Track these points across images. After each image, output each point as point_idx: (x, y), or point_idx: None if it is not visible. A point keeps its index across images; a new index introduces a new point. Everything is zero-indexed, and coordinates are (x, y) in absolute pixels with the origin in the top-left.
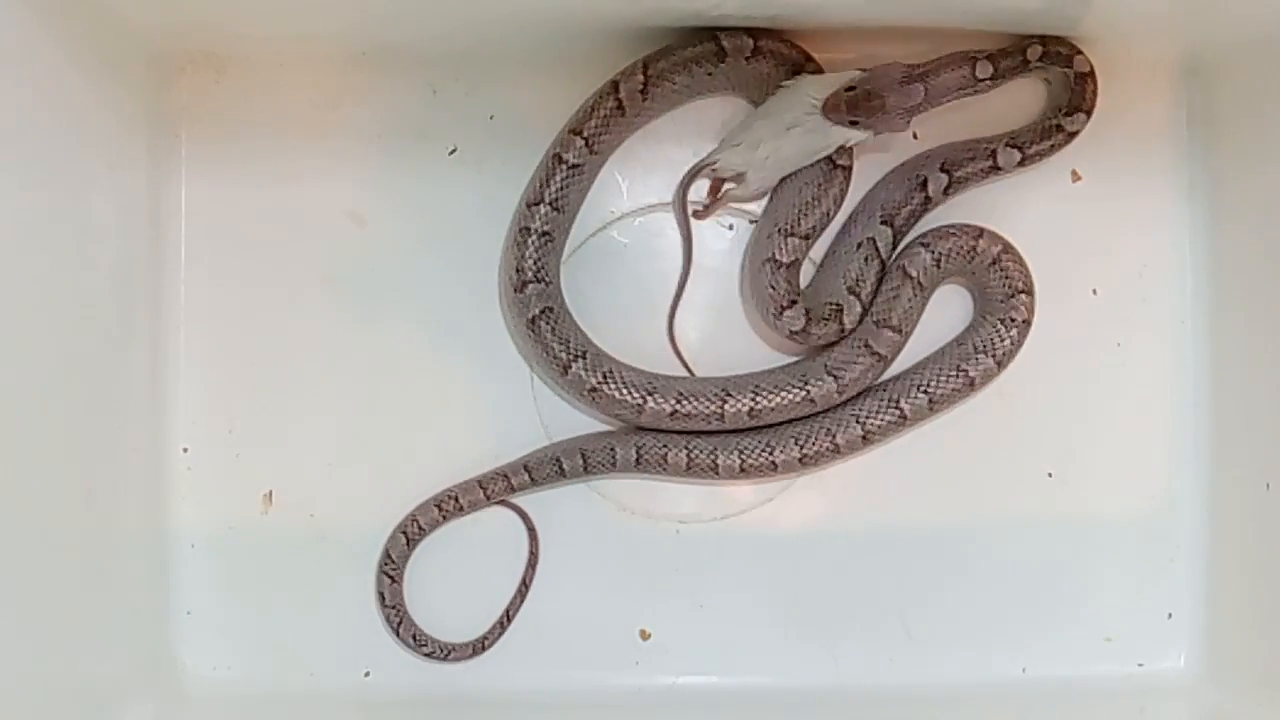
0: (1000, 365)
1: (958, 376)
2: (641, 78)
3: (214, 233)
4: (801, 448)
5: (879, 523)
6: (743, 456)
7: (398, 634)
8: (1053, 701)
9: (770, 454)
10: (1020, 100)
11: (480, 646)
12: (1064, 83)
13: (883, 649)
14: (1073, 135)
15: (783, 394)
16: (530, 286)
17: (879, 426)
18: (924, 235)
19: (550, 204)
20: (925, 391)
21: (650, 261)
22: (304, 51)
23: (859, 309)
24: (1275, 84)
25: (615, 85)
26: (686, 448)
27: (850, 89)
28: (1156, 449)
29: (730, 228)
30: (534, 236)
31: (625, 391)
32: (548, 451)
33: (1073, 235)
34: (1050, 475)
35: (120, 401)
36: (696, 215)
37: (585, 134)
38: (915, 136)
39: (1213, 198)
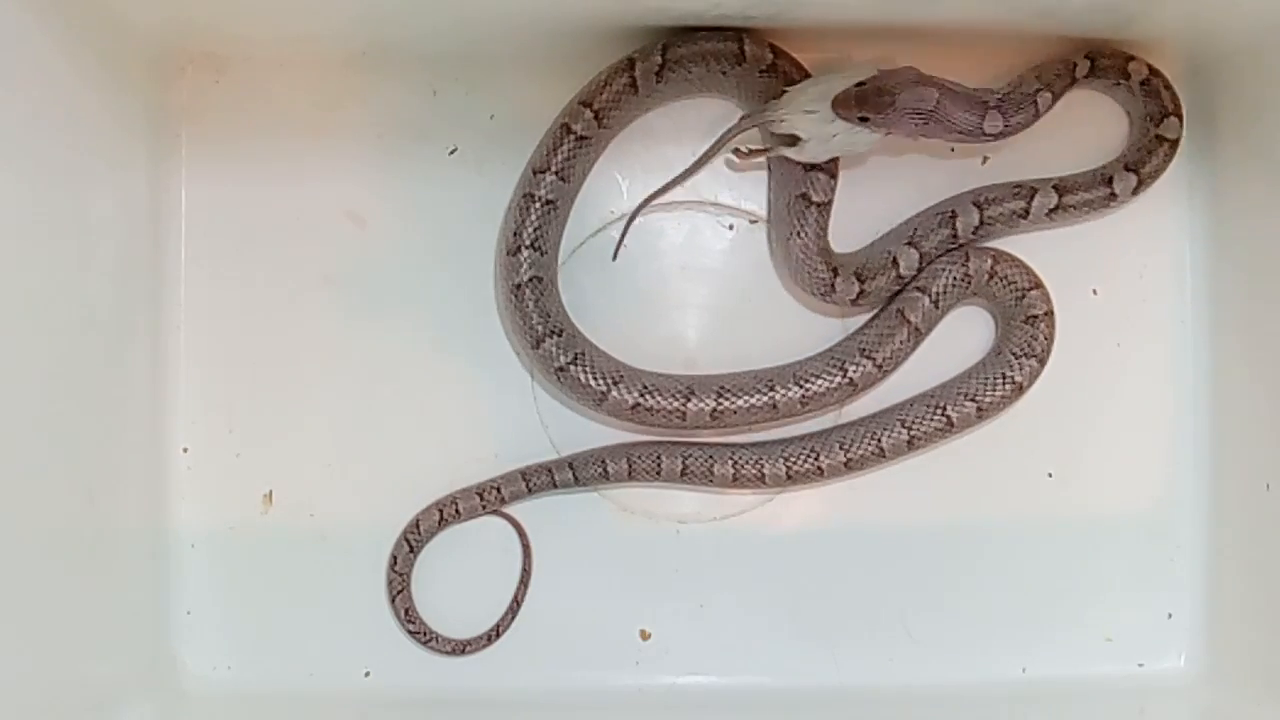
0: (1043, 363)
1: (1004, 384)
2: (659, 59)
3: (214, 233)
4: (847, 452)
5: (879, 523)
6: (789, 464)
7: (411, 634)
8: (1053, 701)
9: (816, 459)
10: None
11: (460, 649)
12: (1141, 130)
13: (883, 649)
14: (1114, 197)
15: (746, 397)
16: (525, 252)
17: (925, 433)
18: (918, 277)
19: (556, 173)
20: (973, 400)
21: (650, 261)
22: (304, 51)
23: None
24: (1275, 84)
25: (631, 62)
26: (733, 459)
27: (861, 84)
28: (1156, 449)
29: (730, 228)
30: (537, 203)
31: (591, 377)
32: (577, 457)
33: (1073, 236)
34: (1050, 475)
35: (120, 401)
36: (739, 155)
37: (595, 106)
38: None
39: (1213, 198)
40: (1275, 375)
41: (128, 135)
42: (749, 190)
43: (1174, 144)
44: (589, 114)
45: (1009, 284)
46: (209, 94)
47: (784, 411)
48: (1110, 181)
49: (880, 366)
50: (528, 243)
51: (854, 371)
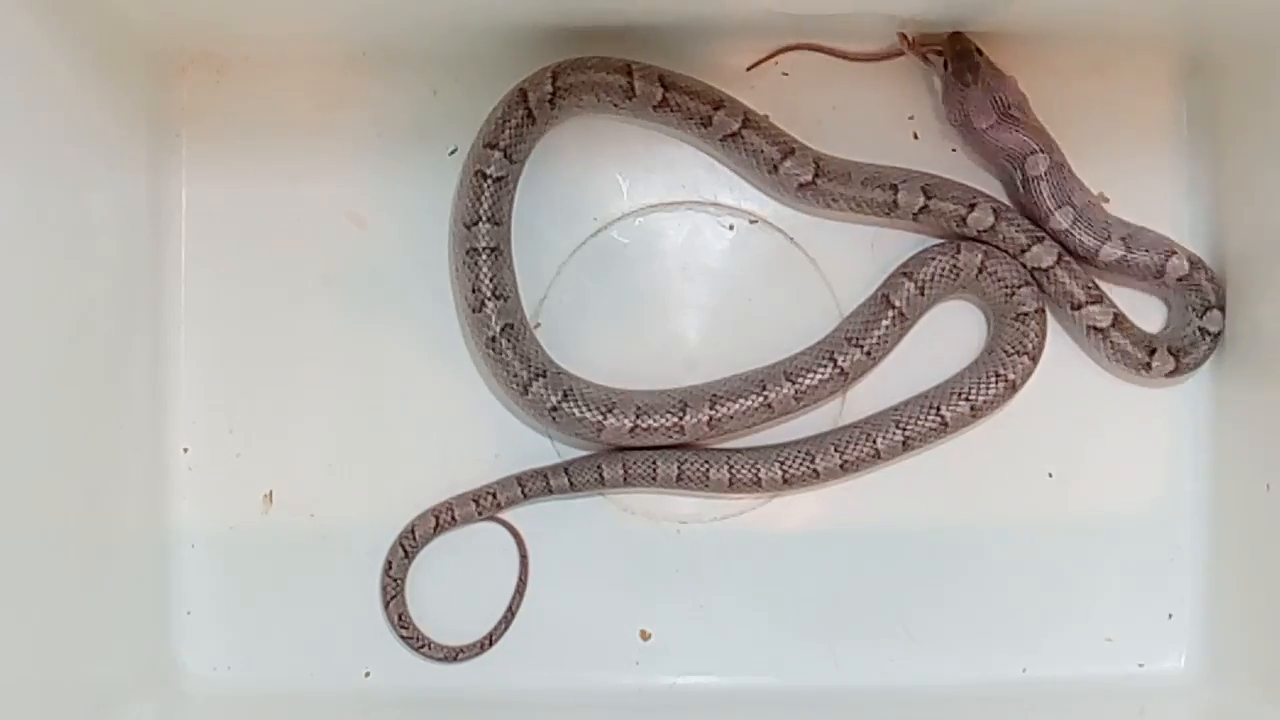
0: (1035, 359)
1: (997, 381)
2: (550, 88)
3: (214, 233)
4: (842, 454)
5: (879, 523)
6: (784, 468)
7: (404, 639)
8: (1053, 701)
9: (811, 462)
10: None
11: (454, 656)
12: (1182, 319)
13: (883, 649)
14: (1148, 367)
15: (740, 401)
16: (490, 304)
17: (920, 433)
18: (906, 263)
19: (488, 219)
20: (966, 399)
21: (650, 261)
22: (304, 51)
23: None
24: (1276, 84)
25: (524, 94)
26: (728, 464)
27: (979, 52)
28: (1156, 449)
29: (730, 228)
30: (483, 255)
31: (585, 410)
32: (554, 466)
33: None
34: (1050, 475)
35: (120, 401)
36: (904, 38)
37: (501, 145)
38: (915, 136)
39: (1213, 198)
40: (1275, 375)
41: (128, 135)
42: (749, 190)
43: (1216, 337)
44: (498, 154)
45: (999, 280)
46: (209, 94)
47: (780, 409)
48: (1153, 353)
49: (869, 353)
50: (489, 294)
51: (843, 361)
